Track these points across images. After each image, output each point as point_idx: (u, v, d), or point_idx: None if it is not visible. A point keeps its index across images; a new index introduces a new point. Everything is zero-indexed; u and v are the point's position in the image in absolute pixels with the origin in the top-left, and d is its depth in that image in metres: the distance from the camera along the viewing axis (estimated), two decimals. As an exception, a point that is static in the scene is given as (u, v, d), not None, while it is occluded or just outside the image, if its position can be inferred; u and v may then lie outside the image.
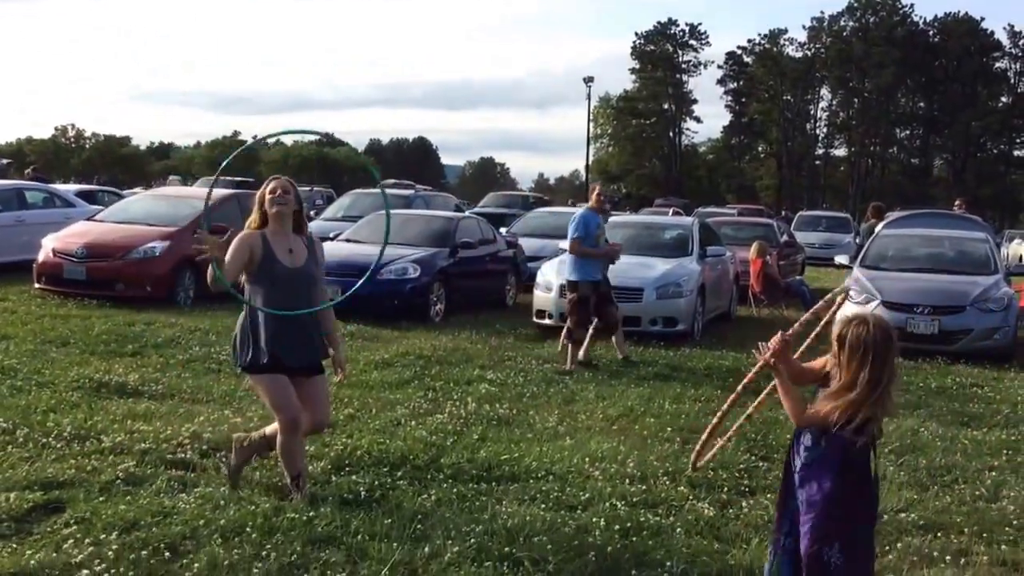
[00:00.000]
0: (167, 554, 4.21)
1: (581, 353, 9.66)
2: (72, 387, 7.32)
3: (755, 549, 4.65)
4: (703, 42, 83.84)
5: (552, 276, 11.97)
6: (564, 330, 9.87)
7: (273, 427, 5.00)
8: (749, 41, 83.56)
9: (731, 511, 5.31)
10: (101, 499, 4.87)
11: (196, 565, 4.10)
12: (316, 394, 4.99)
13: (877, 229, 14.88)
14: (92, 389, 7.29)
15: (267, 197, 4.93)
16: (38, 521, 4.59)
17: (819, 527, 3.48)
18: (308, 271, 4.96)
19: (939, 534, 5.08)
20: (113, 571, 3.97)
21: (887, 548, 4.84)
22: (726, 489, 5.65)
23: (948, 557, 4.73)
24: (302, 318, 4.83)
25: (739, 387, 3.60)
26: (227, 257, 4.74)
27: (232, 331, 5.04)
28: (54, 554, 4.16)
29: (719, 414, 3.67)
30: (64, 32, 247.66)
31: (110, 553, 4.14)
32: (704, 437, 3.77)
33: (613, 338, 10.11)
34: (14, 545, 4.27)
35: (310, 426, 5.01)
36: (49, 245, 12.79)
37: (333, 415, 6.91)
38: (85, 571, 3.97)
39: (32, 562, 4.06)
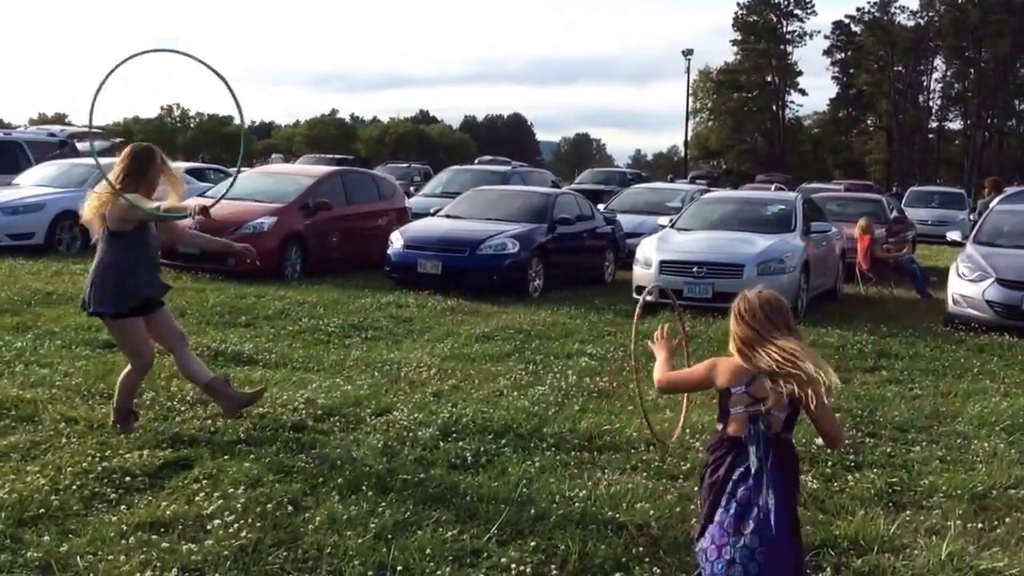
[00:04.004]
0: (290, 508, 4.48)
1: None
2: (191, 355, 7.70)
3: (860, 520, 4.66)
4: (808, 11, 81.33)
5: (652, 252, 11.96)
6: None
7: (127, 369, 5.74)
8: (858, 10, 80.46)
9: (836, 484, 5.30)
10: (226, 457, 5.18)
11: (317, 518, 4.35)
12: (166, 320, 5.84)
13: (992, 204, 14.37)
14: (210, 357, 7.62)
15: None
16: (169, 477, 4.91)
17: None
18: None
19: (1050, 511, 4.99)
20: (241, 522, 4.25)
21: (995, 523, 4.80)
22: (831, 464, 5.62)
23: (1059, 533, 4.66)
24: (153, 258, 5.73)
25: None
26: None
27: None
28: (186, 506, 4.46)
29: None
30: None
31: (238, 506, 4.43)
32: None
33: None
34: (149, 498, 4.60)
35: (172, 346, 5.82)
36: (163, 221, 13.31)
37: (438, 385, 7.15)
38: (216, 521, 4.25)
39: (168, 512, 4.37)
